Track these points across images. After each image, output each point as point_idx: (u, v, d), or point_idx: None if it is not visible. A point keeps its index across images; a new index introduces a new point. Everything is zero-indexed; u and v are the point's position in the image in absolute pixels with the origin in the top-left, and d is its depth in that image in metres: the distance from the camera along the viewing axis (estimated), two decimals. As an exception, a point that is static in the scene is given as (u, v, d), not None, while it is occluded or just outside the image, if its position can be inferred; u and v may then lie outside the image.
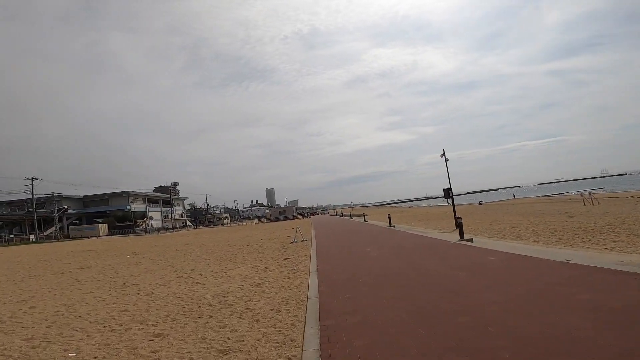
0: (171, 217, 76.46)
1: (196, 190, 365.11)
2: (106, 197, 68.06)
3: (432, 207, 71.44)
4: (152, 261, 14.17)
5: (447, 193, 19.11)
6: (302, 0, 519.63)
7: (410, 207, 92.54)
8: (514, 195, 71.81)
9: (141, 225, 58.32)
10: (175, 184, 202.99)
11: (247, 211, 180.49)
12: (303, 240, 16.59)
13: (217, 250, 16.48)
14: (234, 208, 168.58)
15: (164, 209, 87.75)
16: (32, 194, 47.04)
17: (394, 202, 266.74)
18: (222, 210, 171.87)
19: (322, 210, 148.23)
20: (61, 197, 62.55)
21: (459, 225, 12.06)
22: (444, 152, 18.48)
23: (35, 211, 58.05)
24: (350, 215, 44.06)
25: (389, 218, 24.44)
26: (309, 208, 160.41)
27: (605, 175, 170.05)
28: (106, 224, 56.64)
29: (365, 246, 12.64)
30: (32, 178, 45.97)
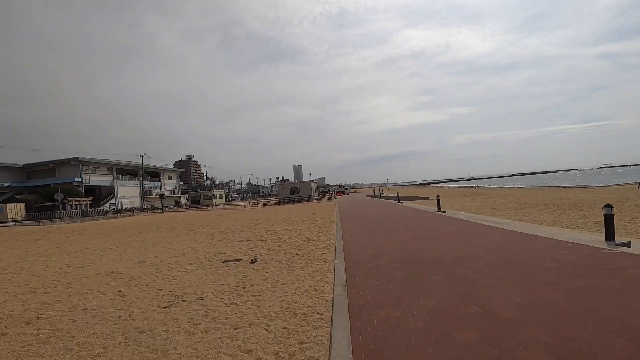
0: (142, 193, 57.19)
1: (229, 168, 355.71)
2: (51, 165, 49.42)
3: (520, 189, 46.99)
4: None
5: None
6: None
7: (472, 187, 67.90)
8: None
9: (73, 204, 39.01)
10: (190, 157, 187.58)
11: (267, 188, 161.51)
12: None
13: None
14: (250, 183, 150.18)
15: (152, 183, 69.27)
16: None
17: (426, 182, 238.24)
18: (240, 186, 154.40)
19: (345, 189, 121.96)
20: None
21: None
22: None
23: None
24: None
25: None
26: (336, 186, 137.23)
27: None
28: (22, 204, 37.97)
29: None
30: None
